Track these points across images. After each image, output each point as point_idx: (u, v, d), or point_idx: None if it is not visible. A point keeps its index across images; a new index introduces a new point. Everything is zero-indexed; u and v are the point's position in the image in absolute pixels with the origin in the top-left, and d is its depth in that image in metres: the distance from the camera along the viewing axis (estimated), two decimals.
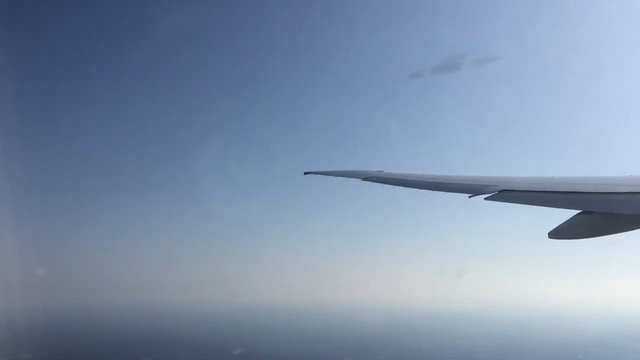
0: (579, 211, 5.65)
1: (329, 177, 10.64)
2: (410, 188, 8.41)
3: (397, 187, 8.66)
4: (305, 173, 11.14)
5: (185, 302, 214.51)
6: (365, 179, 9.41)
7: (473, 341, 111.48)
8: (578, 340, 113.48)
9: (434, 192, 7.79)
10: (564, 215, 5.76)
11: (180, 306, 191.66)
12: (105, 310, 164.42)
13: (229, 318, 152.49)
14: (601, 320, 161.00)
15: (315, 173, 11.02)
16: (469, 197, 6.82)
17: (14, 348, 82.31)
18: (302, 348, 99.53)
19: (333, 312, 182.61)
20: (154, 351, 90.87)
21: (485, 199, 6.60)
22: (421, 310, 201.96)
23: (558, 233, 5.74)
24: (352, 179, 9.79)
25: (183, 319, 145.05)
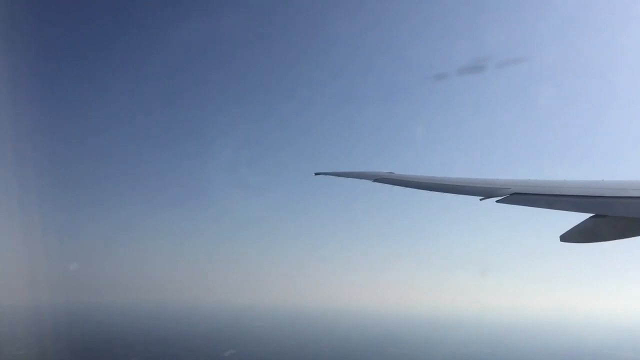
0: (591, 215, 5.60)
1: (339, 178, 10.60)
2: (420, 190, 8.37)
3: (408, 188, 8.62)
4: (316, 174, 11.12)
5: (189, 303, 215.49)
6: (375, 180, 9.38)
7: (469, 348, 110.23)
8: (575, 349, 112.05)
9: (445, 194, 7.75)
10: (576, 218, 5.72)
11: (183, 306, 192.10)
12: (104, 308, 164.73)
13: (229, 319, 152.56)
14: (608, 326, 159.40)
15: (326, 174, 10.99)
16: (481, 199, 6.79)
17: (15, 343, 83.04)
18: (294, 352, 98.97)
19: (334, 315, 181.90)
20: (146, 351, 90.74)
21: (497, 201, 6.56)
22: (425, 314, 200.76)
23: (570, 236, 5.70)
24: (362, 180, 9.76)
25: (182, 319, 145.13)
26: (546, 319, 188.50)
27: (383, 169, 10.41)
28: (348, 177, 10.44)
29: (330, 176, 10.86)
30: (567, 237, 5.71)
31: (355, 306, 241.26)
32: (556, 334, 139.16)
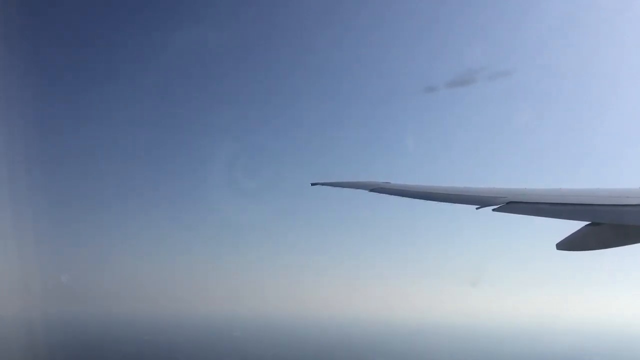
0: (587, 223, 5.63)
1: (335, 188, 10.63)
2: (417, 199, 8.39)
3: (404, 198, 8.64)
4: (312, 184, 11.16)
5: (174, 311, 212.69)
6: (372, 190, 9.41)
7: (450, 357, 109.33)
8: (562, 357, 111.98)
9: (441, 203, 7.77)
10: (572, 226, 5.75)
11: (167, 316, 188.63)
12: (86, 318, 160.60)
13: (210, 328, 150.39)
14: (602, 334, 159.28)
15: (322, 184, 11.03)
16: (477, 208, 6.81)
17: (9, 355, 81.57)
18: None
19: (323, 325, 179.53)
20: None
21: (493, 210, 6.59)
22: (419, 323, 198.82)
23: (566, 244, 5.74)
24: (359, 190, 9.79)
25: (163, 328, 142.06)
26: (540, 327, 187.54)
27: (379, 179, 10.44)
28: (344, 187, 10.47)
29: (327, 186, 10.90)
30: (563, 245, 5.75)
31: (349, 316, 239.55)
32: (547, 342, 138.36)
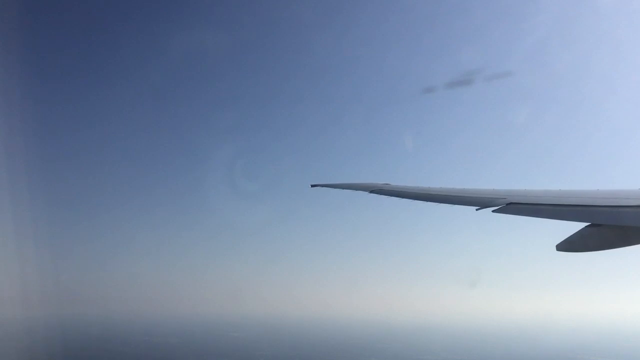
0: (587, 224, 5.65)
1: (335, 189, 10.61)
2: (416, 201, 8.40)
3: (404, 199, 8.64)
4: (312, 185, 11.15)
5: (174, 313, 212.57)
6: (372, 191, 9.41)
7: (450, 357, 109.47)
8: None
9: (441, 204, 7.78)
10: (571, 228, 5.77)
11: (168, 317, 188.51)
12: (86, 319, 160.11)
13: (211, 329, 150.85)
14: (601, 334, 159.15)
15: (322, 186, 11.02)
16: (477, 209, 6.82)
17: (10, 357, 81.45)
18: None
19: (321, 325, 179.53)
20: None
21: (493, 211, 6.60)
22: (417, 324, 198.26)
23: (566, 245, 5.75)
24: (358, 192, 9.78)
25: (161, 329, 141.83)
26: (540, 327, 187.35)
27: (379, 180, 10.44)
28: (344, 188, 10.46)
29: (327, 188, 10.89)
30: (563, 247, 5.77)
31: (349, 316, 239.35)
32: (547, 342, 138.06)
